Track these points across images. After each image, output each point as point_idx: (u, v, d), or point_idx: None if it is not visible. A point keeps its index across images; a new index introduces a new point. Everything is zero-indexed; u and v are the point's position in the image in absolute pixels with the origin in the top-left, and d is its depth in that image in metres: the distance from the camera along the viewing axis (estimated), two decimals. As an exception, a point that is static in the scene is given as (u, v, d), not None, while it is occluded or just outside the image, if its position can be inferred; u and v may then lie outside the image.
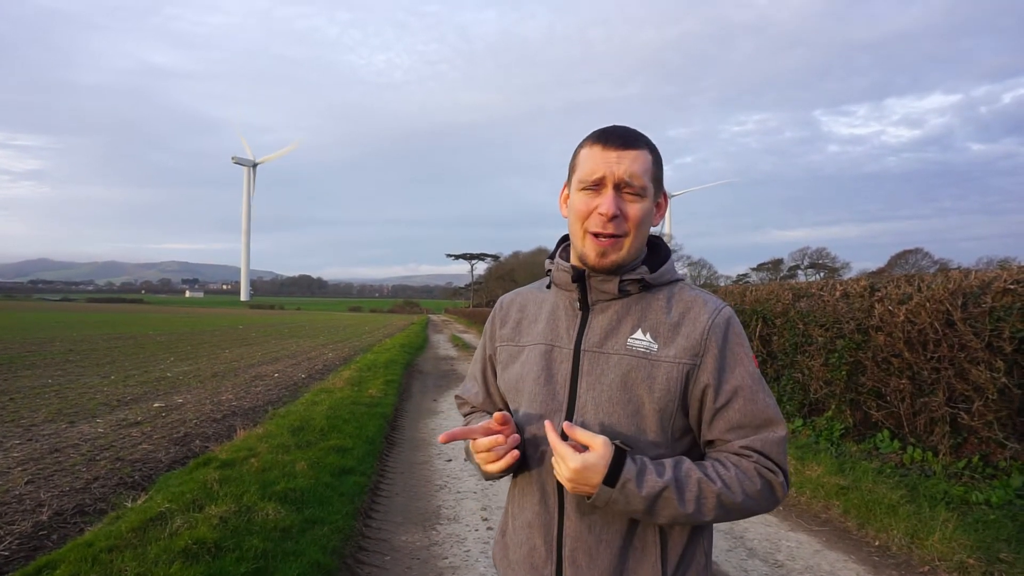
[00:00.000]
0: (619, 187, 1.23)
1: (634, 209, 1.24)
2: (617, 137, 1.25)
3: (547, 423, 1.20)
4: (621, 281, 1.27)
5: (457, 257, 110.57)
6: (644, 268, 1.29)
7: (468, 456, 1.37)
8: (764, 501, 1.21)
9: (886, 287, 6.23)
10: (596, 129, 1.29)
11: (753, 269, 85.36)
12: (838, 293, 6.91)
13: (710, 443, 1.28)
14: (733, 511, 1.20)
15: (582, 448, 1.16)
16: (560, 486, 1.25)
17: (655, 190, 1.28)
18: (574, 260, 1.33)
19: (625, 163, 1.23)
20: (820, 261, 76.83)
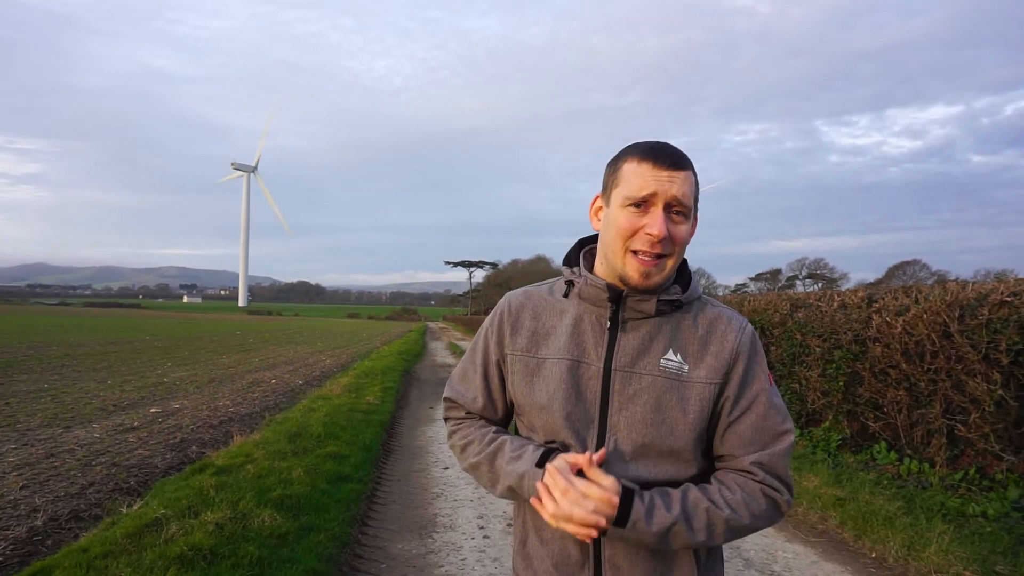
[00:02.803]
0: (669, 207, 1.22)
1: (680, 231, 1.23)
2: (668, 156, 1.22)
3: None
4: (658, 301, 1.27)
5: (455, 264, 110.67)
6: (677, 288, 1.29)
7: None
8: (769, 518, 1.26)
9: (884, 298, 6.25)
10: (641, 144, 1.26)
11: (751, 279, 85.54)
12: (836, 304, 6.93)
13: (720, 457, 1.31)
14: (742, 532, 1.24)
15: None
16: None
17: (694, 211, 1.28)
18: (605, 273, 1.30)
19: (677, 183, 1.21)
20: (818, 271, 77.04)
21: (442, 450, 7.17)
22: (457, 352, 25.21)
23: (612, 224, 1.25)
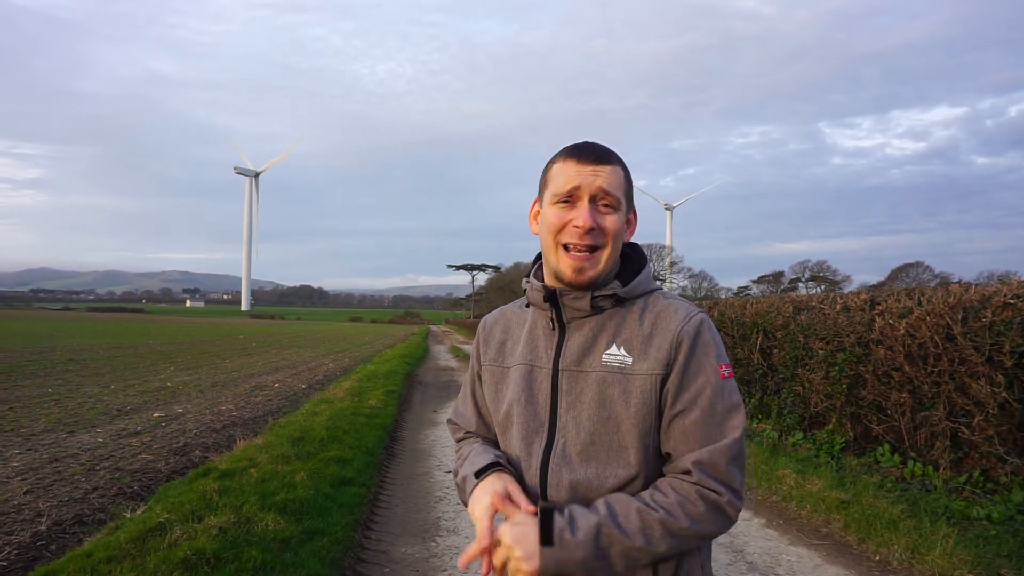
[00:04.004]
0: (595, 199, 1.23)
1: (610, 221, 1.24)
2: (591, 152, 1.25)
3: (471, 549, 1.19)
4: (593, 297, 1.26)
5: (458, 268, 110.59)
6: (616, 283, 1.28)
7: (462, 492, 1.36)
8: (714, 522, 1.18)
9: (886, 301, 6.25)
10: (567, 145, 1.30)
11: (754, 281, 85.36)
12: (839, 306, 6.93)
13: (668, 456, 1.24)
14: (686, 537, 1.17)
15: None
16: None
17: (627, 205, 1.29)
18: (548, 277, 1.32)
19: (602, 176, 1.23)
20: (821, 274, 76.88)
21: (445, 453, 7.17)
22: (460, 355, 25.19)
23: (545, 223, 1.28)
